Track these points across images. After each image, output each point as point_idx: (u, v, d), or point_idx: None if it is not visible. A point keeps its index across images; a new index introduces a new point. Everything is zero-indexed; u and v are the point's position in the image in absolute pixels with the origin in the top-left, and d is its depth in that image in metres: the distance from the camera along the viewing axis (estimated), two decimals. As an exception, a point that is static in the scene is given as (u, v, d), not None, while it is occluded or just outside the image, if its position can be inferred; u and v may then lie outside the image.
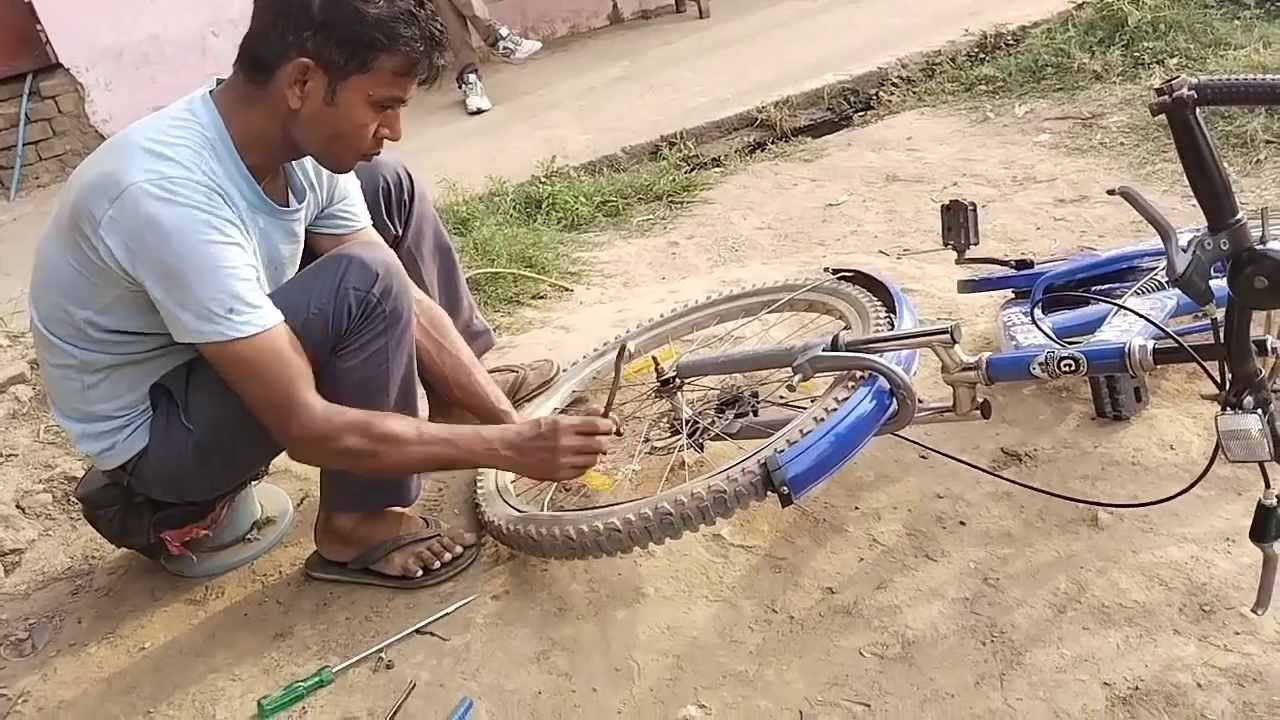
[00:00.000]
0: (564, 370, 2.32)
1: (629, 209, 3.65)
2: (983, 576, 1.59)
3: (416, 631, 1.68)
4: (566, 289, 3.02)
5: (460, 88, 5.04)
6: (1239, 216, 1.28)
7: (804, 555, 1.70)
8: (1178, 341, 1.46)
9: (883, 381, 1.56)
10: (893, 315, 1.77)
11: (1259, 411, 1.30)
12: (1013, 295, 2.16)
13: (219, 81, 1.58)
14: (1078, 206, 2.99)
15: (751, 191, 3.66)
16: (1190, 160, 1.29)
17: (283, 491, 2.13)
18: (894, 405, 1.57)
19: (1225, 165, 1.30)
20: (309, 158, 1.65)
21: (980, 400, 1.64)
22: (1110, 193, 1.41)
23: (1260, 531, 1.30)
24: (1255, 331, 1.35)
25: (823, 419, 1.50)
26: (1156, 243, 1.72)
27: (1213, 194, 1.28)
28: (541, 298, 3.00)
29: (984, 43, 4.41)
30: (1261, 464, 1.31)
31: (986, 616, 1.51)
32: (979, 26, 4.49)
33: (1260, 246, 1.28)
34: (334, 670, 1.62)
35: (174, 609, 1.87)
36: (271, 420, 1.53)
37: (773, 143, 4.13)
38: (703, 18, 5.92)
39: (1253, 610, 1.33)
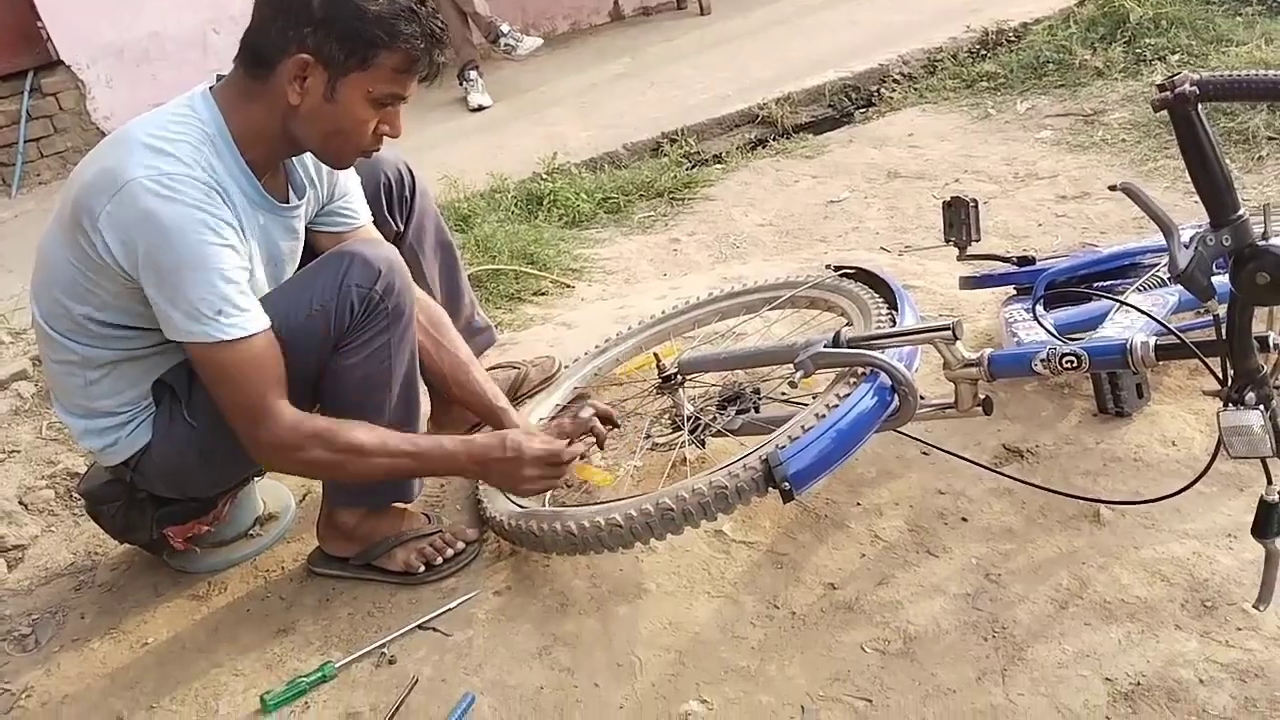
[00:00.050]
0: (566, 367, 2.32)
1: (630, 206, 3.65)
2: (984, 572, 1.59)
3: (419, 627, 1.68)
4: (568, 286, 3.02)
5: (461, 84, 5.04)
6: (1241, 212, 1.28)
7: (805, 551, 1.70)
8: (1180, 338, 1.47)
9: (884, 378, 1.56)
10: (894, 312, 1.78)
11: (1261, 407, 1.30)
12: (1014, 292, 2.16)
13: (219, 77, 1.58)
14: (1079, 203, 2.99)
15: (753, 188, 3.66)
16: (1192, 156, 1.28)
17: (285, 487, 2.13)
18: (895, 402, 1.58)
19: (1227, 161, 1.30)
20: (309, 154, 1.65)
21: (982, 397, 1.64)
22: (1112, 189, 1.41)
23: (1262, 527, 1.30)
24: (1257, 327, 1.35)
25: (824, 415, 1.50)
26: (1158, 239, 1.73)
27: (1215, 190, 1.28)
28: (543, 294, 3.00)
29: (985, 39, 4.41)
30: (1263, 460, 1.31)
31: (988, 612, 1.51)
32: (980, 23, 4.49)
33: (1262, 242, 1.28)
34: (336, 665, 1.62)
35: (177, 604, 1.88)
36: (240, 425, 1.54)
37: (774, 139, 4.13)
38: (704, 14, 5.92)
39: (1254, 606, 1.34)
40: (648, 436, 1.96)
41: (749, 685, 1.47)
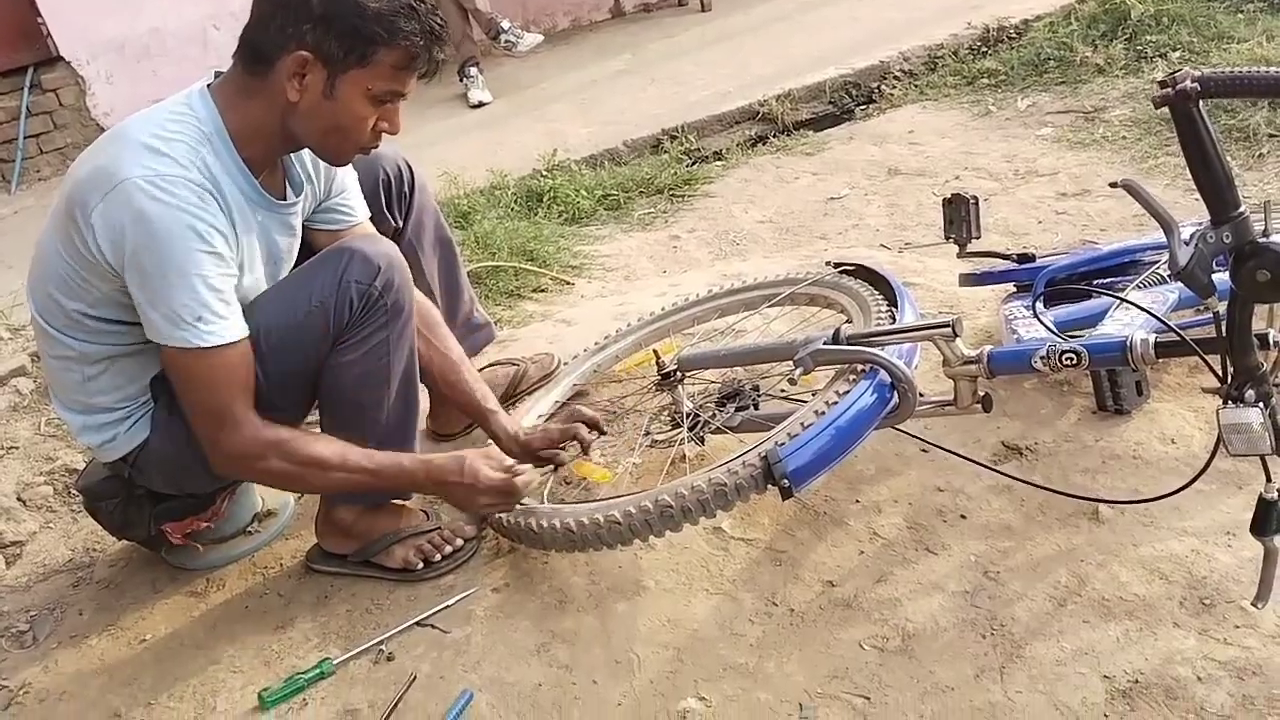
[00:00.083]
0: (565, 364, 2.32)
1: (630, 202, 3.65)
2: (983, 570, 1.59)
3: (417, 624, 1.68)
4: (567, 282, 3.02)
5: (461, 81, 5.03)
6: (1241, 210, 1.28)
7: (804, 548, 1.70)
8: (1180, 335, 1.46)
9: (884, 375, 1.56)
10: (894, 309, 1.77)
11: (1260, 405, 1.30)
12: (1014, 289, 2.16)
13: (217, 74, 1.58)
14: (1080, 200, 2.98)
15: (753, 185, 3.66)
16: (1193, 153, 1.28)
17: (284, 484, 2.13)
18: (895, 399, 1.57)
19: (1228, 158, 1.29)
20: (307, 150, 1.65)
21: (981, 394, 1.64)
22: (1112, 186, 1.40)
23: (1261, 525, 1.30)
24: (1257, 325, 1.35)
25: (824, 412, 1.50)
26: (1158, 236, 1.72)
27: (1215, 187, 1.28)
28: (542, 291, 3.00)
29: (986, 36, 4.41)
30: (1262, 458, 1.31)
31: (987, 610, 1.51)
32: (981, 20, 4.49)
33: (1263, 240, 1.28)
34: (335, 662, 1.62)
35: (175, 601, 1.88)
36: (204, 429, 1.55)
37: (774, 136, 4.12)
38: (704, 11, 5.91)
39: (1253, 604, 1.34)
40: (647, 433, 1.96)
41: (747, 682, 1.47)
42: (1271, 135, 3.00)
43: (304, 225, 1.75)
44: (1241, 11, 3.86)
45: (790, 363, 1.67)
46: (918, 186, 3.34)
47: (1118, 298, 1.75)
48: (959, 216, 2.03)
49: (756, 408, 1.86)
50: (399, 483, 1.70)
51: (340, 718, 1.54)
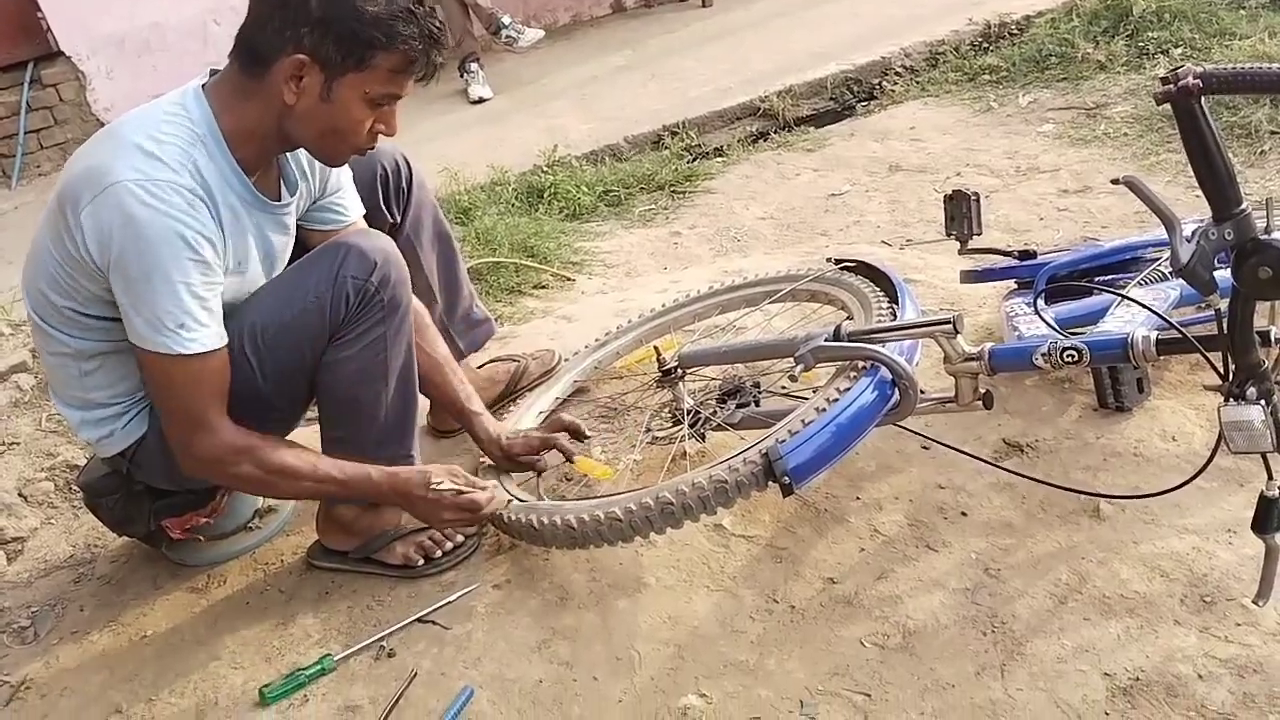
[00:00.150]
0: (566, 360, 2.32)
1: (631, 199, 3.65)
2: (984, 567, 1.59)
3: (418, 620, 1.68)
4: (568, 279, 3.02)
5: (462, 76, 5.02)
6: (1243, 207, 1.28)
7: (805, 545, 1.70)
8: (1181, 332, 1.46)
9: (885, 372, 1.56)
10: (895, 306, 1.77)
11: (1262, 402, 1.30)
12: (1015, 286, 2.16)
13: (212, 72, 1.57)
14: (1081, 197, 2.98)
15: (754, 181, 3.65)
16: (1195, 150, 1.28)
17: (284, 480, 2.13)
18: (896, 396, 1.57)
19: (1230, 155, 1.29)
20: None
21: (982, 391, 1.64)
22: (1114, 182, 1.40)
23: (1262, 523, 1.30)
24: (1259, 322, 1.35)
25: (824, 409, 1.50)
26: (1160, 233, 1.73)
27: (1217, 184, 1.28)
28: (543, 287, 2.99)
29: (988, 32, 4.40)
30: (1264, 455, 1.30)
31: (987, 607, 1.51)
32: (983, 16, 4.48)
33: (1264, 237, 1.28)
34: (336, 658, 1.63)
35: (176, 597, 1.88)
36: (176, 432, 1.56)
37: (775, 132, 4.12)
38: (705, 6, 5.90)
39: (1254, 601, 1.33)
40: (647, 430, 1.96)
41: (748, 679, 1.47)
42: (1273, 132, 2.99)
43: (298, 224, 1.75)
44: (1243, 8, 3.85)
45: (791, 359, 1.67)
46: (919, 183, 3.33)
47: (1119, 295, 1.75)
48: (960, 213, 2.02)
49: (757, 404, 1.86)
50: (366, 493, 1.70)
51: (341, 714, 1.54)
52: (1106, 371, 1.82)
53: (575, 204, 3.55)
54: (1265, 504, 1.29)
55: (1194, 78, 1.23)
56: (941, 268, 2.56)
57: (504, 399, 2.26)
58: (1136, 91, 3.55)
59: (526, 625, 1.63)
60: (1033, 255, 2.10)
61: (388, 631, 1.66)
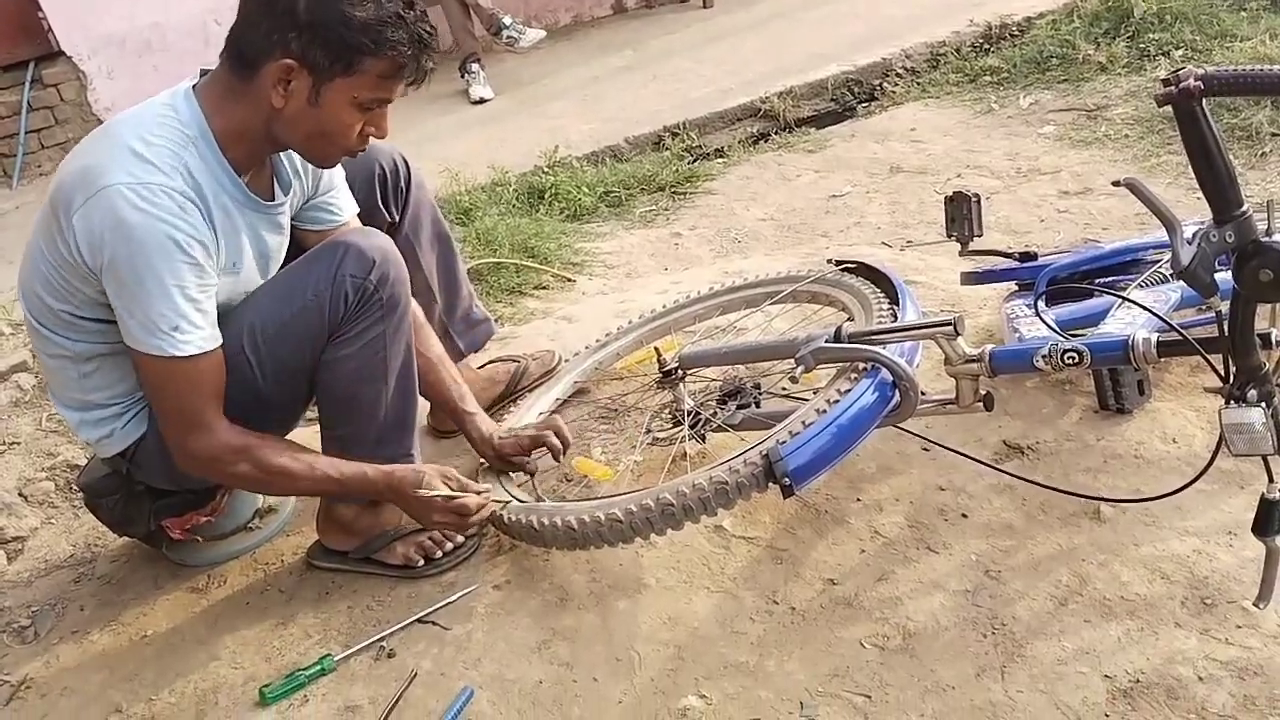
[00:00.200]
0: (566, 361, 2.32)
1: (632, 199, 3.65)
2: (984, 569, 1.59)
3: (418, 620, 1.68)
4: (569, 279, 3.02)
5: (463, 77, 5.02)
6: (1244, 209, 1.28)
7: (805, 547, 1.70)
8: (1182, 334, 1.46)
9: (885, 373, 1.56)
10: (896, 307, 1.77)
11: (1263, 405, 1.30)
12: (1016, 287, 2.16)
13: (203, 73, 1.57)
14: (1082, 199, 2.98)
15: (754, 182, 3.65)
16: (1196, 152, 1.28)
17: (284, 480, 2.12)
18: (896, 397, 1.57)
19: (1230, 157, 1.29)
20: None
21: (983, 393, 1.64)
22: (1115, 184, 1.40)
23: (1263, 525, 1.30)
24: (1259, 324, 1.35)
25: (825, 411, 1.50)
26: (1161, 235, 1.72)
27: (1218, 186, 1.28)
28: (544, 288, 2.99)
29: (989, 33, 4.40)
30: (1265, 457, 1.30)
31: (988, 609, 1.51)
32: (983, 17, 4.48)
33: (1265, 239, 1.28)
34: (336, 659, 1.62)
35: (176, 597, 1.88)
36: (173, 432, 1.57)
37: (776, 133, 4.12)
38: (706, 7, 5.90)
39: (1254, 604, 1.33)
40: (648, 431, 1.96)
41: (748, 680, 1.47)
42: (1274, 134, 2.99)
43: (292, 224, 1.75)
44: (1244, 10, 3.85)
45: (792, 361, 1.67)
46: (919, 184, 3.33)
47: (1120, 297, 1.75)
48: (961, 214, 2.02)
49: (758, 406, 1.86)
50: (362, 490, 1.70)
51: (341, 714, 1.54)
52: (1107, 373, 1.82)
53: (576, 205, 3.55)
54: (1266, 506, 1.29)
55: (1195, 79, 1.23)
56: (942, 269, 2.56)
57: (504, 399, 2.26)
58: (1137, 93, 3.55)
59: (526, 626, 1.63)
60: (1033, 257, 2.10)
61: (388, 632, 1.66)
